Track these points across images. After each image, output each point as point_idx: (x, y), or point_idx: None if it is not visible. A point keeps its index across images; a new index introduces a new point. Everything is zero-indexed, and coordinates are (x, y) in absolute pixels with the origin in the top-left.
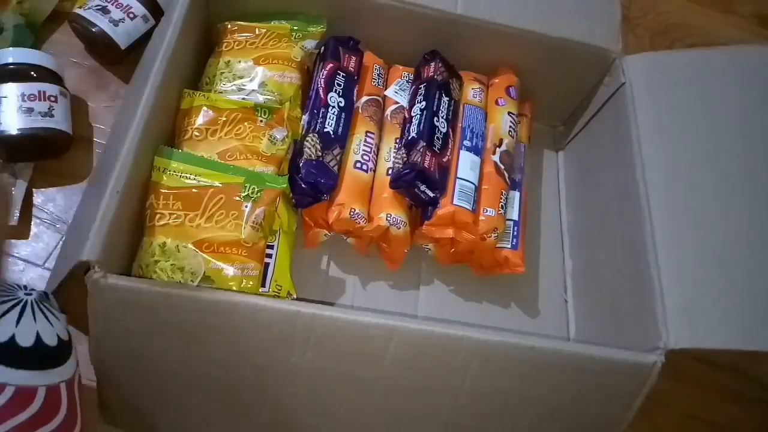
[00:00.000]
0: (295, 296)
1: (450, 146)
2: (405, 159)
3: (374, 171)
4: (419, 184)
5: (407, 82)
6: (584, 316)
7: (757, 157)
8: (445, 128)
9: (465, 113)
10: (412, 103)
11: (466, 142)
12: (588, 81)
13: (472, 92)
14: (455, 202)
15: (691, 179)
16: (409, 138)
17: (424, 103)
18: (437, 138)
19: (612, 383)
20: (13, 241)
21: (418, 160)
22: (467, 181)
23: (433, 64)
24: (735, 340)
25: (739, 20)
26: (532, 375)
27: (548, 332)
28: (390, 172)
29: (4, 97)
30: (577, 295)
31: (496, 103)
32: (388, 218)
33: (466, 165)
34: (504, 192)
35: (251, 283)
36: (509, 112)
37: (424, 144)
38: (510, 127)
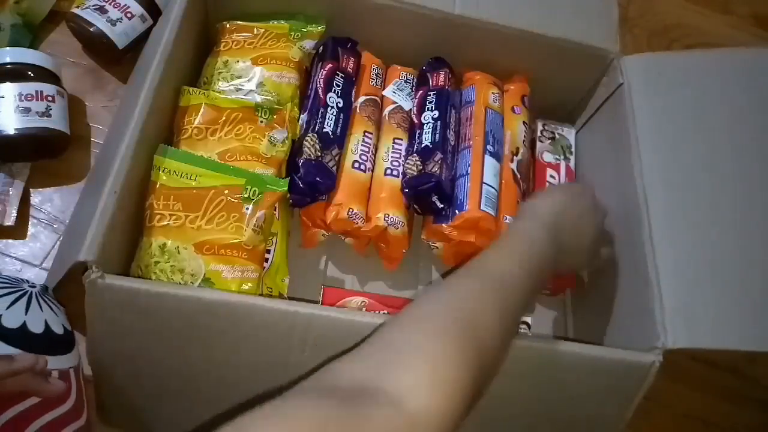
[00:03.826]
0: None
1: (456, 159)
2: (420, 167)
3: (372, 171)
4: (433, 195)
5: (405, 82)
6: (582, 316)
7: (755, 157)
8: (454, 141)
9: (487, 117)
10: (420, 109)
11: (489, 147)
12: (586, 81)
13: (492, 96)
14: (482, 207)
15: (689, 179)
16: (423, 146)
17: (436, 112)
18: (448, 151)
19: (610, 383)
20: (10, 241)
21: (436, 171)
22: (491, 187)
23: (442, 72)
24: (733, 340)
25: (737, 20)
26: (530, 375)
27: (546, 332)
28: (388, 171)
29: (2, 96)
30: (575, 294)
31: (513, 110)
32: (386, 218)
33: (489, 171)
34: (519, 200)
35: (250, 285)
36: (524, 122)
37: (441, 156)
38: (524, 136)
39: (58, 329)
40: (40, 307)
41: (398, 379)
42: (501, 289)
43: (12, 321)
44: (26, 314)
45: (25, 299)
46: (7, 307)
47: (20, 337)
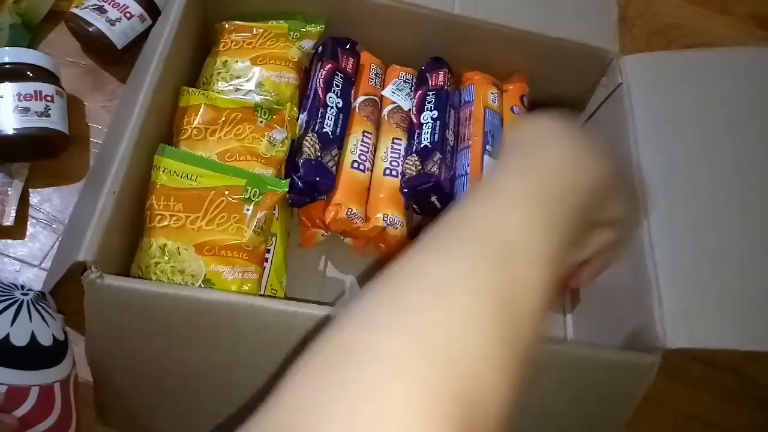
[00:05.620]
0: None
1: (456, 159)
2: (419, 167)
3: (371, 171)
4: (432, 195)
5: (404, 81)
6: (581, 316)
7: (754, 157)
8: (453, 142)
9: (486, 117)
10: (419, 109)
11: (488, 147)
12: (585, 81)
13: (491, 96)
14: None
15: (688, 179)
16: (422, 146)
17: (436, 113)
18: (447, 151)
19: (609, 383)
20: (9, 241)
21: (436, 171)
22: None
23: (441, 72)
24: (732, 339)
25: (736, 21)
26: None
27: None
28: (387, 171)
29: (0, 96)
30: (573, 294)
31: (512, 110)
32: (385, 218)
33: (489, 170)
34: None
35: (250, 286)
36: None
37: (440, 156)
38: None
39: (46, 341)
40: (30, 317)
41: None
42: (509, 290)
43: None
44: (12, 325)
45: (13, 309)
46: None
47: (0, 351)
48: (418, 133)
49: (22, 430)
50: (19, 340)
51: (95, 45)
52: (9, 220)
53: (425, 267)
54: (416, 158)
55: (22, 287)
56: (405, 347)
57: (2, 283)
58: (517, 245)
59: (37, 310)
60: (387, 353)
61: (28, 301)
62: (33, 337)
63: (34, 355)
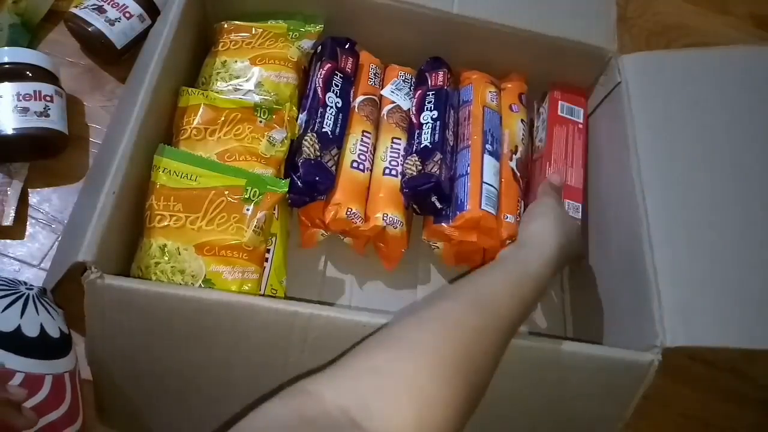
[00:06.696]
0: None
1: (455, 159)
2: (420, 167)
3: (371, 171)
4: (433, 195)
5: (404, 81)
6: (581, 315)
7: (752, 156)
8: (453, 142)
9: (485, 116)
10: (419, 109)
11: (488, 146)
12: (584, 80)
13: (489, 95)
14: (483, 207)
15: (687, 178)
16: (422, 146)
17: (436, 113)
18: (447, 151)
19: (609, 382)
20: (8, 241)
21: (436, 171)
22: (491, 186)
23: (441, 72)
24: (731, 338)
25: (735, 20)
26: (529, 374)
27: (545, 331)
28: (387, 171)
29: (0, 96)
30: (574, 293)
31: (510, 108)
32: (385, 218)
33: (489, 170)
34: (520, 199)
35: (250, 285)
36: (522, 120)
37: (441, 156)
38: (523, 134)
39: (54, 332)
40: (37, 310)
41: (383, 416)
42: (502, 329)
43: (6, 324)
44: (21, 317)
45: (21, 302)
46: (3, 310)
47: (14, 340)
48: (418, 133)
49: (38, 417)
50: (30, 331)
51: (94, 45)
52: (8, 220)
53: (439, 304)
54: (416, 158)
55: (25, 283)
56: (430, 338)
57: (6, 278)
58: (500, 308)
59: (42, 304)
60: (420, 343)
61: (33, 296)
62: (42, 328)
63: (45, 346)
